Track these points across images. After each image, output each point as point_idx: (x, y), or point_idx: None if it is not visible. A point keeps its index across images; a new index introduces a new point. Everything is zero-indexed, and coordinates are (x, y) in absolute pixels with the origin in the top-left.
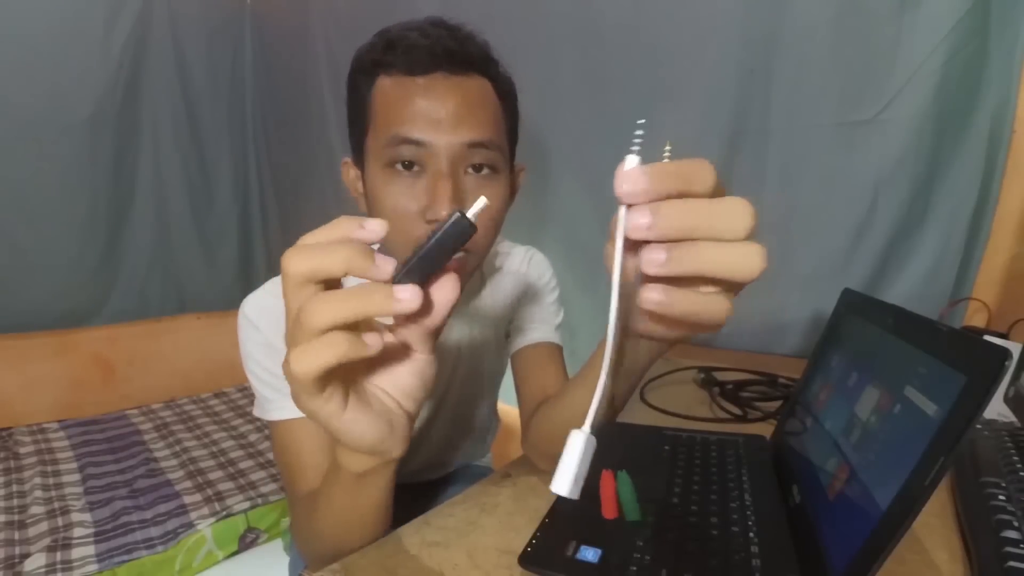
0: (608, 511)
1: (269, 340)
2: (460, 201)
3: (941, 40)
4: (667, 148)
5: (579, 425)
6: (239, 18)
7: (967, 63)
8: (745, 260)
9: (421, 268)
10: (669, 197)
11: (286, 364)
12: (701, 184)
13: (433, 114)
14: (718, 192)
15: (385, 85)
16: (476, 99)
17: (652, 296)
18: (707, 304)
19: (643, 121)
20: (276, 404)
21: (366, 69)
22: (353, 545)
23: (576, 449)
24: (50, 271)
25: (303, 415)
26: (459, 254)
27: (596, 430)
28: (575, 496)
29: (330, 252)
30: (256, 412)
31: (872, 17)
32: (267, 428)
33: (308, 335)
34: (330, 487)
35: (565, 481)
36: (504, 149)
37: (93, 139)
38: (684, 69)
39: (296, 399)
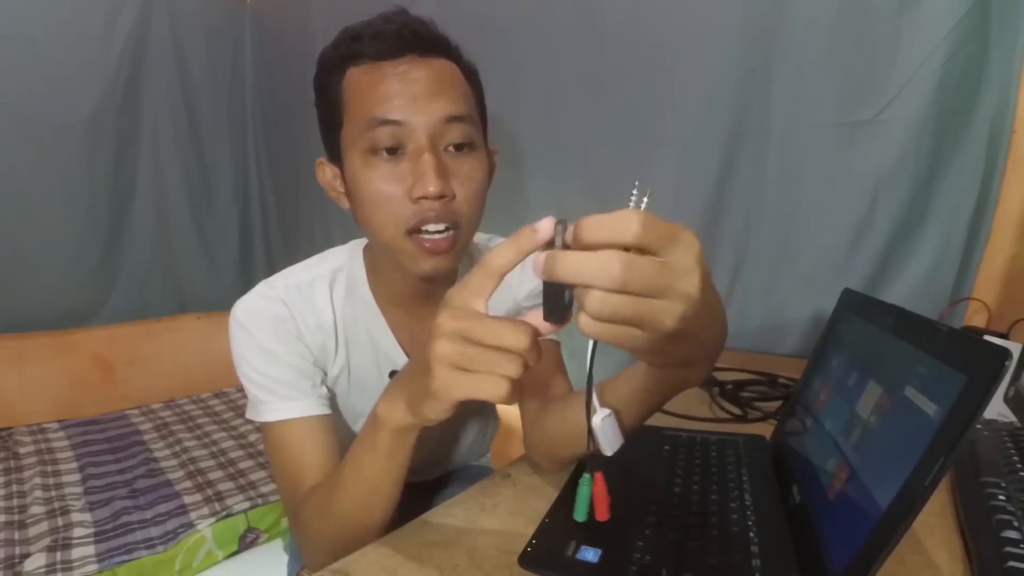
0: (601, 513)
1: (261, 343)
2: (444, 176)
3: (941, 40)
4: (633, 193)
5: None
6: (239, 18)
7: (967, 63)
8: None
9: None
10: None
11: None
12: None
13: (407, 93)
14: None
15: (355, 74)
16: (447, 78)
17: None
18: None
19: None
20: (271, 406)
21: (334, 66)
22: (375, 524)
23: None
24: (50, 271)
25: (300, 416)
26: (446, 232)
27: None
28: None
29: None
30: (249, 414)
31: (872, 17)
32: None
33: (491, 370)
34: (359, 457)
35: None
36: (478, 125)
37: (93, 139)
38: (684, 69)
39: (427, 391)
